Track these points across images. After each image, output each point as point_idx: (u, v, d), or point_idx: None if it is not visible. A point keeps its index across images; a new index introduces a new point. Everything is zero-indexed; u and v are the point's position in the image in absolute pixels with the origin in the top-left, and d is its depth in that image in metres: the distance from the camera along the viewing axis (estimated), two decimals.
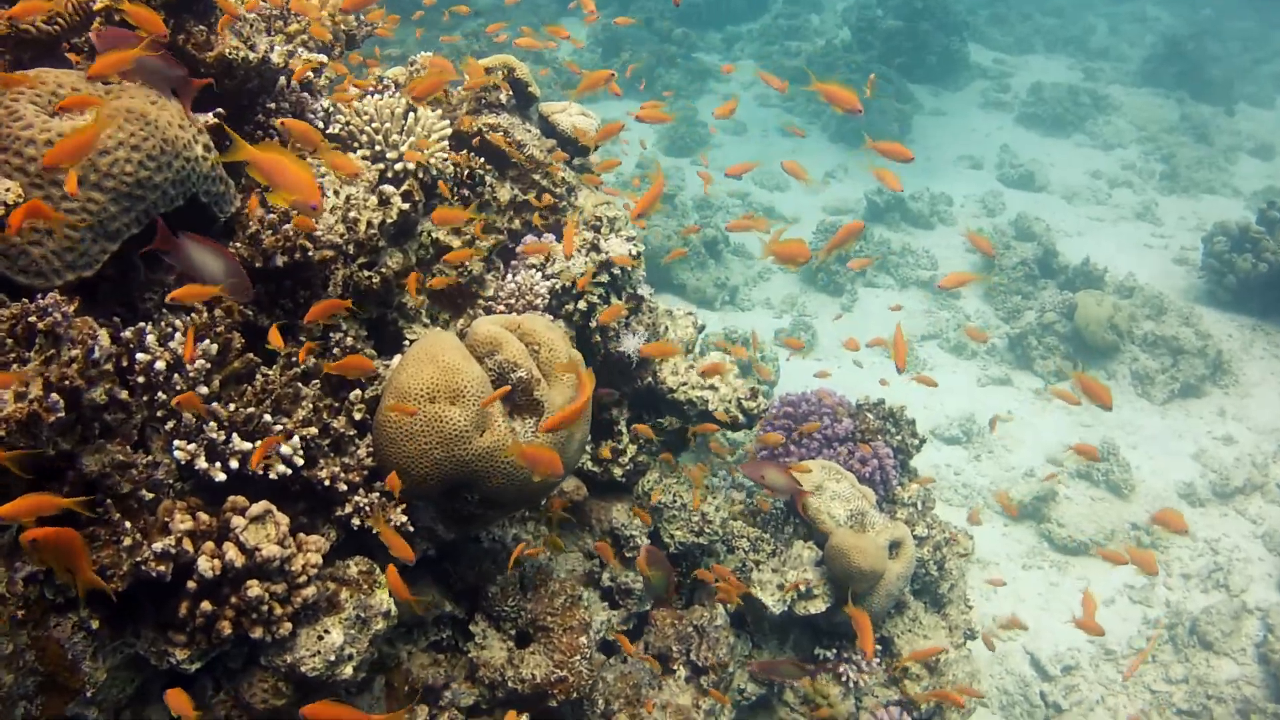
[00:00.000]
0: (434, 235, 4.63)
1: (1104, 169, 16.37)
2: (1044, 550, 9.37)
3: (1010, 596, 8.98)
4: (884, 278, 12.86)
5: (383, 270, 4.39)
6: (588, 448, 5.37)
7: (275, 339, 3.77)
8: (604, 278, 5.15)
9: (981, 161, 16.24)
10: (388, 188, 4.45)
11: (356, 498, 3.86)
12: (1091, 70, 20.53)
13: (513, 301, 4.82)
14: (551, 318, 5.04)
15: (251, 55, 4.21)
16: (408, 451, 3.80)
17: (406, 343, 4.31)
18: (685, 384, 5.35)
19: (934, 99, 18.22)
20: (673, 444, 5.62)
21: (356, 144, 5.22)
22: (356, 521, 3.84)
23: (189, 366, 3.49)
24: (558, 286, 5.13)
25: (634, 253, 5.23)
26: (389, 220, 4.40)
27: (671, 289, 12.40)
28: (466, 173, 5.49)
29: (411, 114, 5.34)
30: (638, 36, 18.20)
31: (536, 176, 5.73)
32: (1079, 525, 9.46)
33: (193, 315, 3.64)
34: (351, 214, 4.25)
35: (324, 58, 5.44)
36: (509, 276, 4.93)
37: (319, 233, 4.05)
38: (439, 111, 5.52)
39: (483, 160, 5.55)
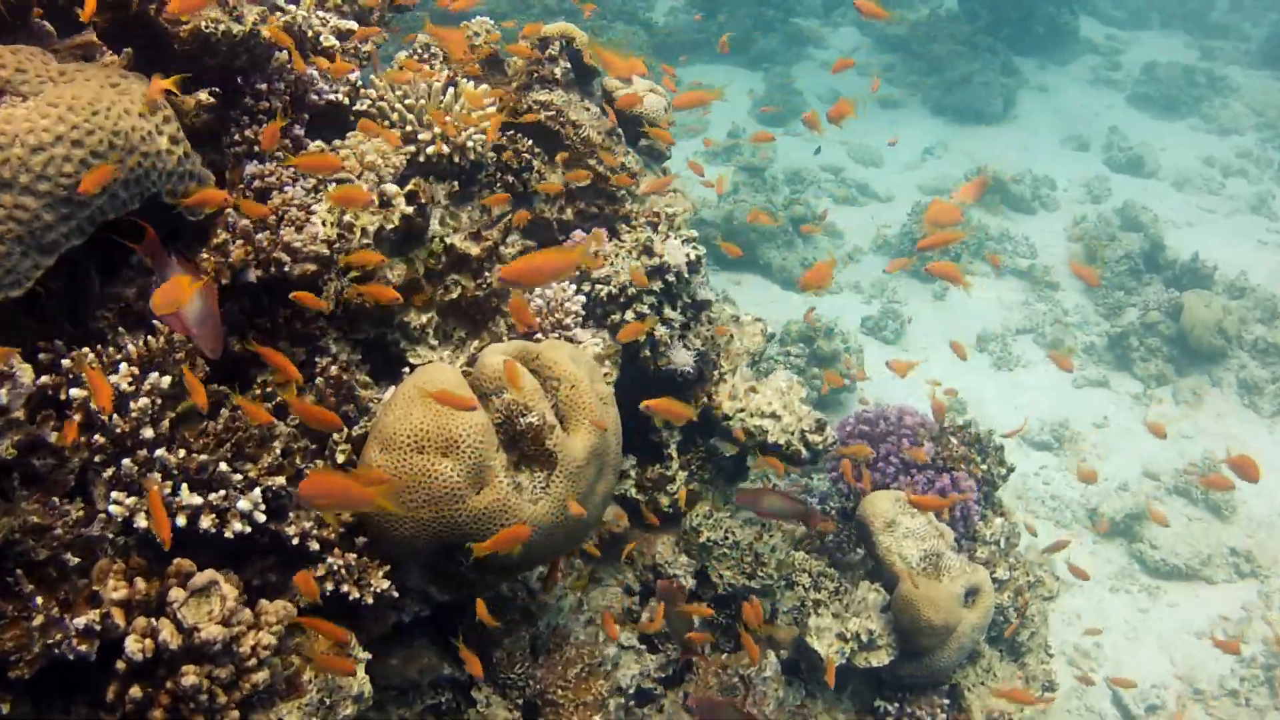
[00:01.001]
0: (448, 241, 3.96)
1: (1218, 156, 15.24)
2: (1134, 573, 8.55)
3: (1094, 620, 8.19)
4: (980, 265, 11.99)
5: (381, 284, 3.73)
6: (632, 471, 4.70)
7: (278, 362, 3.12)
8: (657, 284, 4.46)
9: (1088, 143, 15.20)
10: (390, 187, 3.78)
11: (331, 558, 3.23)
12: (1209, 49, 19.23)
13: (539, 319, 4.15)
14: (595, 336, 4.37)
15: (236, 28, 3.55)
16: (389, 510, 3.16)
17: (407, 370, 3.65)
18: (743, 410, 4.65)
19: (1040, 73, 17.14)
20: (730, 472, 4.95)
21: (387, 122, 4.58)
22: (330, 586, 3.21)
23: (105, 414, 2.87)
24: (604, 293, 4.45)
25: (693, 256, 4.53)
26: (389, 226, 3.73)
27: (757, 268, 11.65)
28: (512, 156, 4.82)
29: (452, 89, 4.68)
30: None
31: (592, 162, 5.05)
32: (1173, 547, 8.62)
33: (149, 338, 3.03)
34: (346, 218, 3.60)
35: (353, 24, 4.79)
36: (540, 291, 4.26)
37: (298, 244, 3.39)
38: (484, 87, 4.85)
39: (530, 143, 4.88)
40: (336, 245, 3.53)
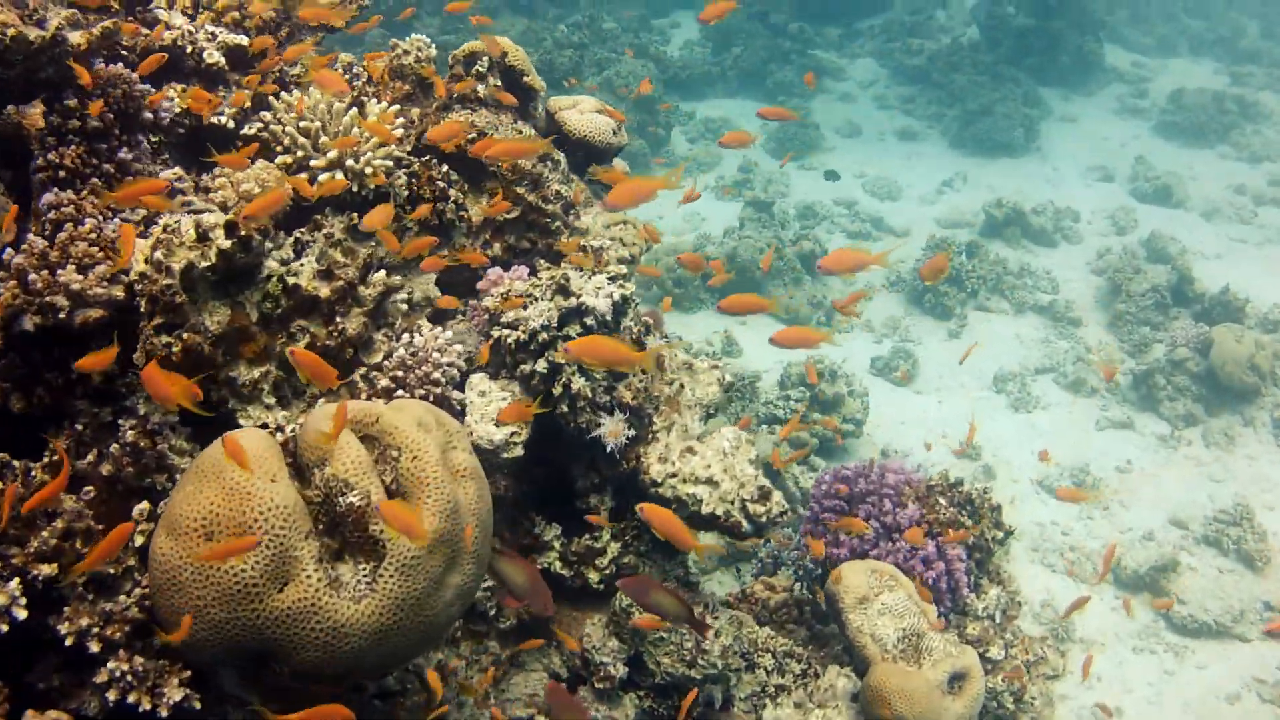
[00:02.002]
0: (290, 281, 3.28)
1: (1249, 184, 14.34)
2: (1159, 631, 7.69)
3: (1115, 684, 7.34)
4: (998, 300, 11.19)
5: (190, 333, 3.04)
6: (556, 543, 4.00)
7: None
8: (574, 328, 3.76)
9: (1113, 173, 14.34)
10: (208, 217, 3.10)
11: (115, 662, 2.55)
12: (1240, 75, 18.29)
13: (401, 374, 3.45)
14: (504, 390, 3.67)
15: (34, 34, 2.91)
16: (176, 606, 2.49)
17: None
18: (674, 475, 3.93)
19: (1065, 103, 16.31)
20: (670, 545, 4.22)
21: (279, 147, 3.93)
22: (114, 696, 2.53)
23: None
24: (512, 340, 3.76)
25: (617, 296, 3.83)
26: (204, 264, 3.05)
27: None
28: (425, 184, 4.15)
29: (354, 110, 4.04)
30: (751, 30, 16.66)
31: (522, 190, 4.37)
32: (1203, 602, 7.76)
33: None
34: (158, 255, 2.93)
35: (243, 39, 4.16)
36: (407, 337, 3.56)
37: (81, 286, 2.72)
38: (393, 107, 4.19)
39: (446, 169, 4.20)
40: (141, 286, 2.86)
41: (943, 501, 4.81)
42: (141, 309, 2.90)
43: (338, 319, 3.33)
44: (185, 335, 2.95)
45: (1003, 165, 14.46)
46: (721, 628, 4.05)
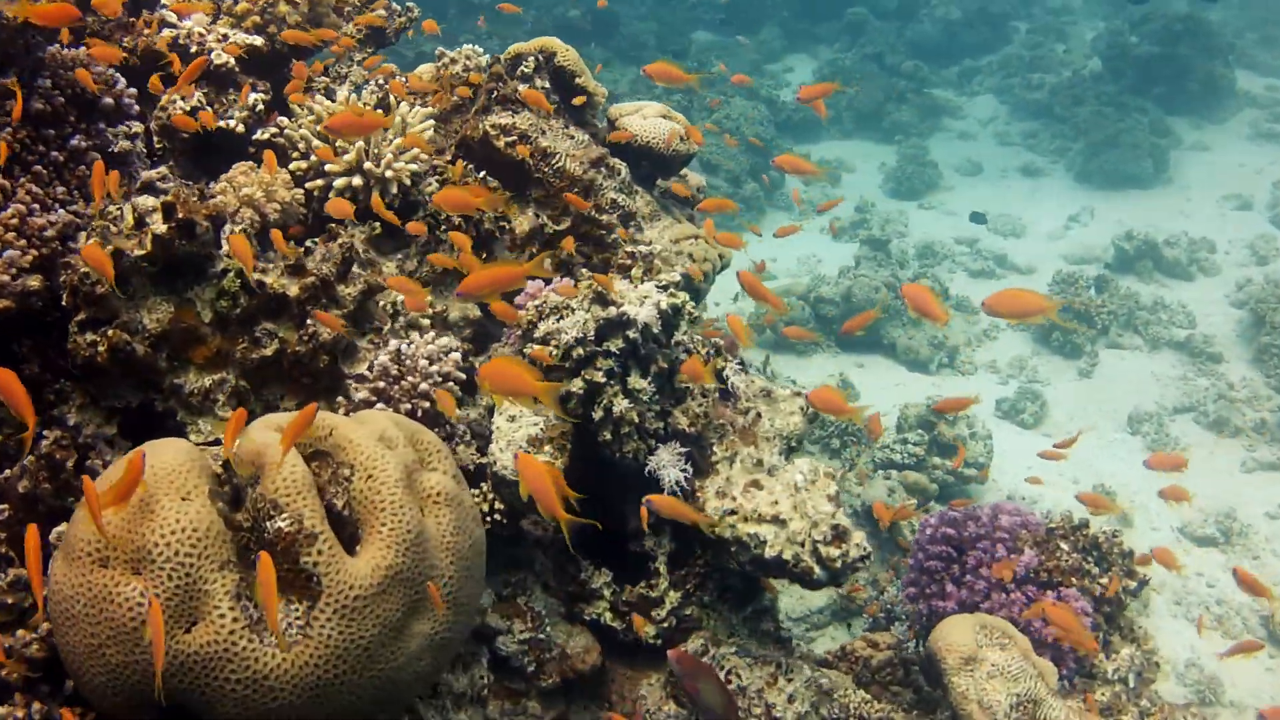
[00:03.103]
0: (254, 278, 2.75)
1: None
2: None
3: None
4: (1131, 337, 10.29)
5: (118, 331, 2.52)
6: (606, 590, 3.40)
7: None
8: (616, 343, 3.17)
9: (1251, 201, 13.26)
10: (144, 199, 2.60)
11: (8, 708, 2.05)
12: None
13: (384, 385, 2.89)
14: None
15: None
16: (73, 644, 1.98)
17: None
18: (734, 513, 3.29)
19: (1195, 132, 15.24)
20: (741, 593, 3.59)
21: (295, 153, 3.45)
22: None
23: None
24: (548, 352, 3.19)
25: (665, 306, 3.24)
26: (138, 253, 2.54)
27: (880, 349, 10.20)
28: None
29: (377, 110, 3.55)
30: (865, 71, 16.02)
31: (573, 196, 3.83)
32: None
33: None
34: (90, 243, 2.43)
35: (257, 40, 3.72)
36: (395, 343, 3.01)
37: None
38: (424, 110, 3.69)
39: (483, 175, 3.68)
40: (65, 277, 2.36)
41: (1064, 546, 4.07)
42: (64, 303, 2.43)
43: (309, 321, 2.81)
44: (110, 333, 2.46)
45: (1132, 197, 13.52)
46: (797, 692, 3.38)
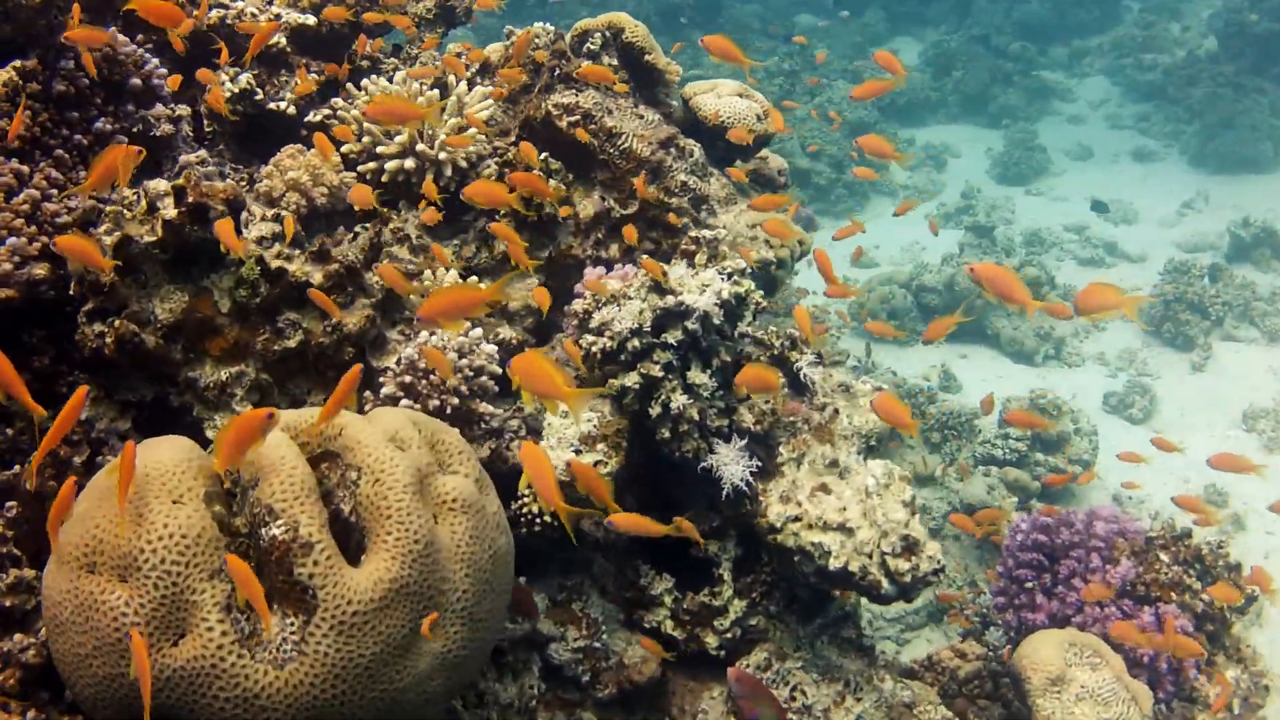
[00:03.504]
0: (274, 264, 2.57)
1: None
2: None
3: None
4: (1247, 329, 9.75)
5: (126, 321, 2.36)
6: (667, 597, 3.19)
7: None
8: (675, 334, 2.95)
9: None
10: (156, 183, 2.43)
11: (4, 716, 1.92)
12: None
13: (410, 379, 2.69)
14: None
15: None
16: (62, 652, 1.85)
17: None
18: (798, 520, 3.04)
19: None
20: (808, 604, 3.34)
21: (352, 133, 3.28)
22: None
23: None
24: (597, 348, 2.98)
25: (727, 295, 3.00)
26: (149, 239, 2.37)
27: (984, 339, 9.82)
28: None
29: (432, 93, 3.38)
30: (971, 53, 15.50)
31: (638, 181, 3.61)
32: None
33: None
34: (103, 229, 2.27)
35: (310, 19, 3.56)
36: (425, 334, 2.81)
37: None
38: (483, 89, 3.50)
39: (546, 157, 3.48)
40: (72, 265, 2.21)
41: (1164, 558, 3.73)
42: (72, 293, 2.28)
43: (334, 315, 2.63)
44: (118, 323, 2.30)
45: (1249, 182, 12.85)
46: (865, 714, 3.12)
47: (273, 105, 3.44)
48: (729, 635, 3.19)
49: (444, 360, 2.81)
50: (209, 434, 2.52)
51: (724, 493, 3.06)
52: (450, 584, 2.06)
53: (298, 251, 2.69)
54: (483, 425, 2.77)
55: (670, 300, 2.93)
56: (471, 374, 2.71)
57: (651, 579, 3.27)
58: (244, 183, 3.33)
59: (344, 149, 3.43)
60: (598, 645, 3.17)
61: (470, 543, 2.11)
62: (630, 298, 3.01)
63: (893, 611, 6.30)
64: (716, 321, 2.97)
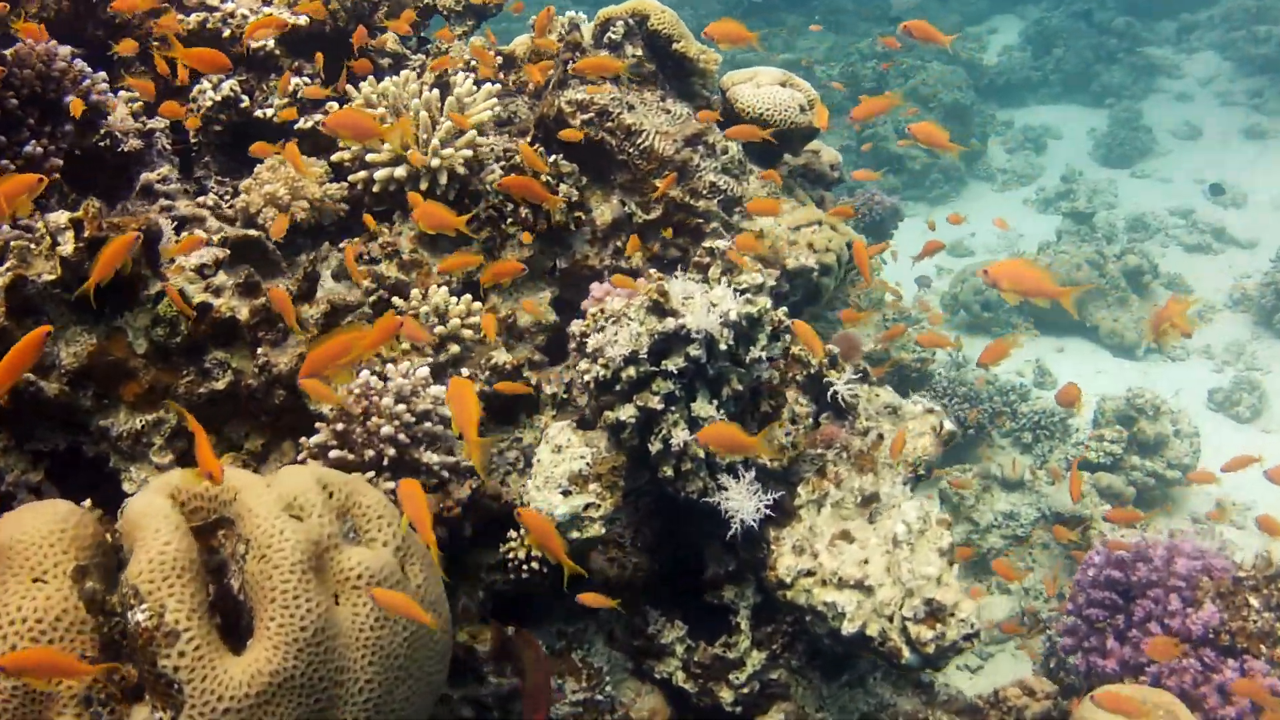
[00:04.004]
0: (196, 299, 2.27)
1: None
2: None
3: None
4: None
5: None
6: (680, 647, 2.86)
7: None
8: (677, 361, 2.61)
9: None
10: (56, 215, 2.15)
11: None
12: None
13: (342, 426, 2.38)
14: (581, 440, 2.60)
15: None
16: None
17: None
18: (810, 574, 2.67)
19: None
20: (832, 658, 2.97)
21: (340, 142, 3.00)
22: None
23: None
24: (591, 376, 2.65)
25: (736, 316, 2.64)
26: (47, 278, 2.09)
27: (1082, 332, 9.27)
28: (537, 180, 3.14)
29: (432, 93, 3.08)
30: (1073, 30, 14.76)
31: (660, 183, 3.28)
32: None
33: None
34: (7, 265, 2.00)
35: (302, 20, 3.28)
36: (364, 374, 2.49)
37: None
38: (488, 86, 3.19)
39: (556, 159, 3.16)
40: None
41: (1254, 602, 3.27)
42: None
43: (260, 350, 2.33)
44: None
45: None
46: None
47: (259, 113, 3.17)
48: (745, 690, 2.84)
49: (422, 331, 2.53)
50: (125, 487, 2.25)
51: (734, 534, 2.71)
52: (350, 674, 1.76)
53: (225, 284, 2.40)
54: (433, 476, 2.44)
55: (670, 323, 2.58)
56: (413, 419, 2.38)
57: (662, 626, 2.94)
58: (227, 197, 3.07)
59: (334, 157, 3.14)
60: (600, 698, 2.86)
61: (377, 626, 1.80)
62: (630, 319, 2.67)
63: None
64: (724, 346, 2.62)
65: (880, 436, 3.14)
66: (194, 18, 3.23)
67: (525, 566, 2.69)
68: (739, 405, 2.75)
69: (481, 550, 2.85)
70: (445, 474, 2.41)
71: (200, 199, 2.76)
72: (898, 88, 13.20)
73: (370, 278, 2.87)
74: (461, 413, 1.88)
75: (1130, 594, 3.49)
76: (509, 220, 3.18)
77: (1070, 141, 13.28)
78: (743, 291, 2.76)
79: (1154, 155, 12.70)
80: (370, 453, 2.32)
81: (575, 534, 2.65)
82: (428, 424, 2.40)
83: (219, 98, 3.14)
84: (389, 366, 2.44)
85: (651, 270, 3.01)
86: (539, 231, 3.23)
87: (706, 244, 2.92)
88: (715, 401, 2.66)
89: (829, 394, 3.07)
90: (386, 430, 2.30)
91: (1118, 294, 9.41)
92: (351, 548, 1.88)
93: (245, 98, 3.19)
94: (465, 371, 2.86)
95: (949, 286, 9.67)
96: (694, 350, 2.59)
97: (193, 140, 3.22)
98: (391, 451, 2.32)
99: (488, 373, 2.88)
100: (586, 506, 2.63)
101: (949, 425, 3.31)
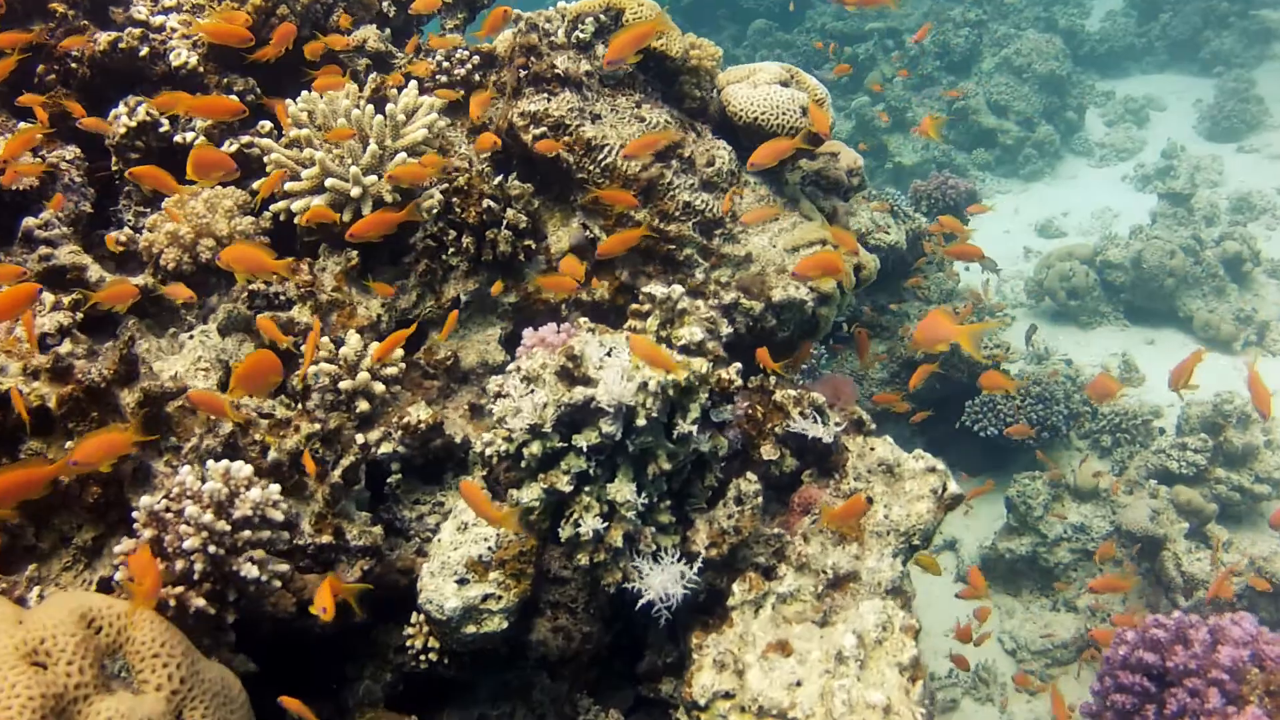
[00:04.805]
0: (5, 383, 1.93)
1: None
2: None
3: None
4: None
5: None
6: None
7: None
8: (588, 436, 2.21)
9: None
10: None
11: None
12: None
13: (152, 532, 2.01)
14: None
15: None
16: None
17: None
18: (730, 696, 2.24)
19: None
20: None
21: (271, 165, 2.66)
22: None
23: None
24: (492, 452, 2.27)
25: (655, 387, 2.23)
26: None
27: (1175, 322, 8.60)
28: (473, 202, 2.76)
29: (364, 109, 2.71)
30: None
31: (606, 196, 2.88)
32: None
33: None
34: None
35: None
36: (186, 469, 2.11)
37: None
38: (430, 100, 2.82)
39: (500, 180, 2.78)
40: None
41: None
42: None
43: (70, 444, 1.98)
44: None
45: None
46: None
47: (179, 138, 2.83)
48: None
49: (276, 330, 2.20)
50: None
51: (665, 623, 2.31)
52: None
53: (34, 365, 2.05)
54: (262, 589, 2.04)
55: (579, 393, 2.18)
56: (224, 532, 1.99)
57: (594, 716, 2.55)
58: (139, 233, 2.74)
59: (254, 185, 2.78)
60: None
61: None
62: (545, 382, 2.27)
63: (1037, 644, 5.51)
64: (643, 420, 2.20)
65: (869, 501, 2.71)
66: (104, 37, 2.89)
67: (422, 657, 2.32)
68: (672, 483, 2.33)
69: (392, 628, 2.51)
70: (277, 584, 2.04)
71: (145, 238, 2.45)
72: (990, 57, 12.53)
73: (277, 325, 2.51)
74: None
75: (1165, 680, 3.01)
76: (450, 250, 2.80)
77: (1174, 113, 12.42)
78: (682, 348, 2.33)
79: (1265, 129, 11.80)
80: (180, 564, 1.95)
81: (471, 629, 2.27)
82: (247, 532, 2.01)
83: (134, 123, 2.81)
84: (210, 464, 2.07)
85: (581, 318, 2.59)
86: (485, 261, 2.84)
87: (645, 289, 2.50)
88: (637, 481, 2.25)
89: (816, 444, 2.66)
90: (192, 543, 1.92)
91: (1214, 282, 8.72)
92: (107, 697, 1.54)
93: (165, 121, 2.84)
94: (375, 434, 2.50)
95: (1034, 272, 9.07)
96: (607, 426, 2.18)
97: (114, 168, 2.90)
98: (200, 566, 1.95)
99: (400, 432, 2.50)
100: (485, 598, 2.25)
101: (953, 488, 2.85)
